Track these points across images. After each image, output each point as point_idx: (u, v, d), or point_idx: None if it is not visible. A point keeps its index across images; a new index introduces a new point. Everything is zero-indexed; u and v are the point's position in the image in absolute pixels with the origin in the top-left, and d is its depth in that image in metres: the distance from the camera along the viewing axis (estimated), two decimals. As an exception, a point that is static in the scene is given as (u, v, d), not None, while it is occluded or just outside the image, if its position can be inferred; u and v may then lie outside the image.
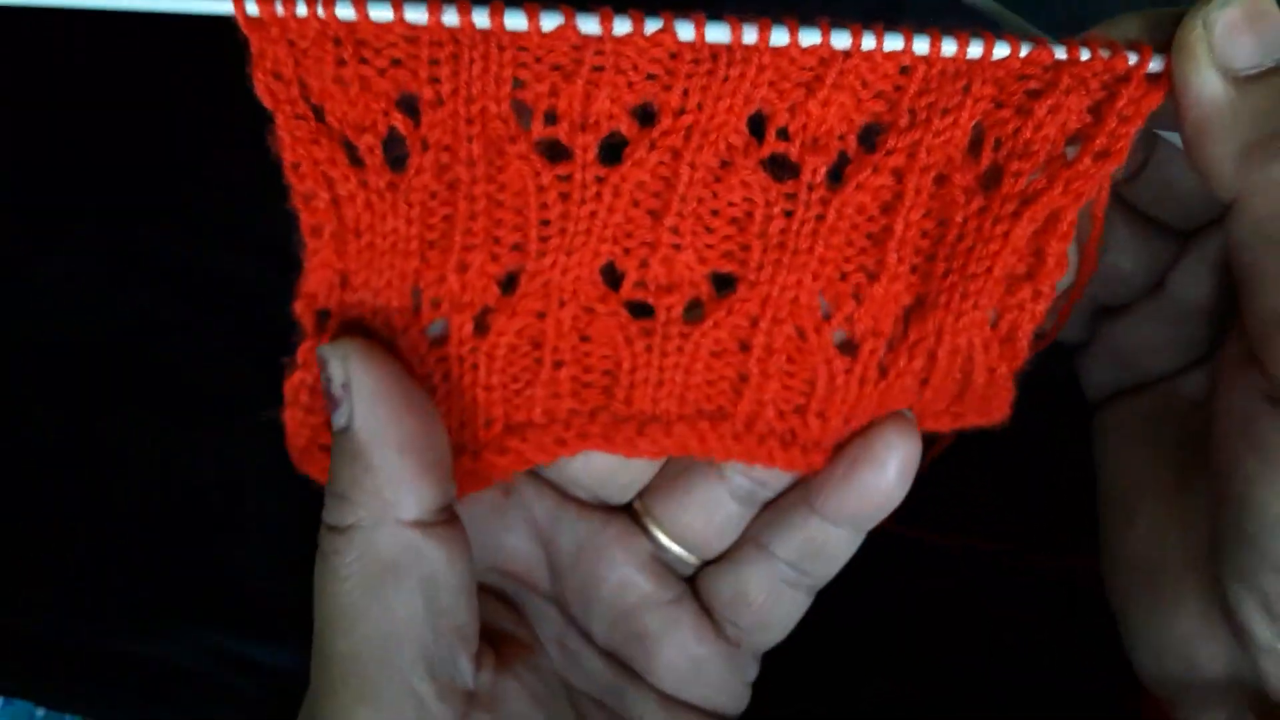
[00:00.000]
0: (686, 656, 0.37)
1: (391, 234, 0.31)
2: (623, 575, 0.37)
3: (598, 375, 0.35)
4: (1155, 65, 0.31)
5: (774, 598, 0.38)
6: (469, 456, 0.35)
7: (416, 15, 0.27)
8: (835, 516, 0.36)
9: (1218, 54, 0.30)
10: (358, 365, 0.30)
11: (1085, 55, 0.31)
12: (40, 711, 0.49)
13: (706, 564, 0.39)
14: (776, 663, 0.41)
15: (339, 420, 0.30)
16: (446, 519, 0.31)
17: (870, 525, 0.37)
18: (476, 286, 0.32)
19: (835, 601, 0.50)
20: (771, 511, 0.37)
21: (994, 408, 0.36)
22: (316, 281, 0.32)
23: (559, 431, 0.35)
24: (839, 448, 0.36)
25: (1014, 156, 0.32)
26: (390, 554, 0.30)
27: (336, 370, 0.30)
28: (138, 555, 0.49)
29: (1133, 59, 0.31)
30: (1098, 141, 0.32)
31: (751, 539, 0.38)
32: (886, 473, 0.35)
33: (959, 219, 0.32)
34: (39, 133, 0.52)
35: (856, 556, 0.40)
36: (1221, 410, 0.33)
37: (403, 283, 0.31)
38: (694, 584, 0.39)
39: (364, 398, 0.30)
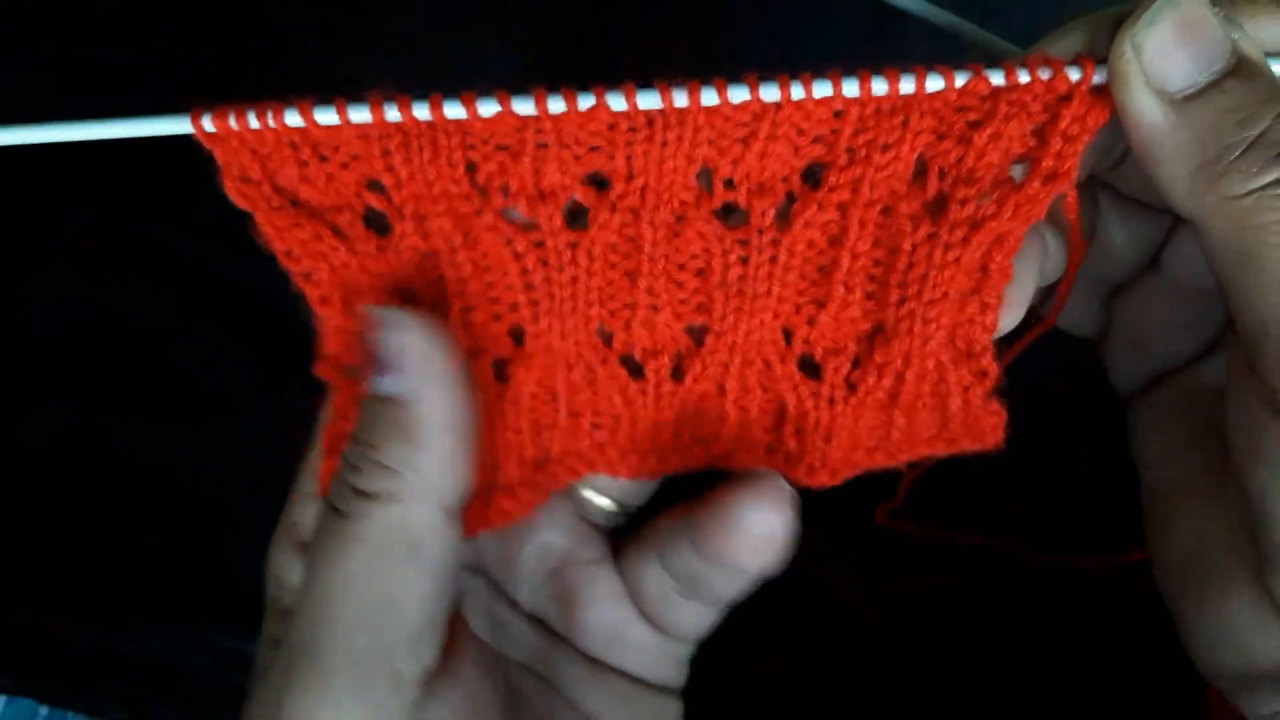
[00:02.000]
0: (607, 620, 0.37)
1: (397, 295, 0.33)
2: (544, 535, 0.38)
3: (605, 419, 0.37)
4: (1100, 77, 0.31)
5: (670, 605, 0.37)
6: (502, 493, 0.37)
7: (360, 115, 0.29)
8: (708, 557, 0.35)
9: (1151, 78, 0.29)
10: (419, 336, 0.30)
11: (1024, 78, 0.31)
12: (43, 709, 0.51)
13: (630, 522, 0.39)
14: (785, 661, 0.41)
15: (388, 387, 0.30)
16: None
17: (748, 574, 0.35)
18: (485, 338, 0.34)
19: (845, 601, 0.51)
20: (669, 519, 0.37)
21: (985, 432, 0.37)
22: (335, 344, 0.34)
23: (572, 463, 0.37)
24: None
25: (959, 183, 0.32)
26: (419, 533, 0.30)
27: (393, 335, 0.30)
28: (139, 554, 0.50)
29: (1074, 75, 0.31)
30: (1044, 164, 0.32)
31: (654, 542, 0.37)
32: (744, 536, 0.33)
33: (908, 246, 0.33)
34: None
35: (864, 556, 0.40)
36: (1231, 418, 0.33)
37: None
38: (616, 554, 0.39)
39: (426, 371, 0.30)
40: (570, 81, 0.30)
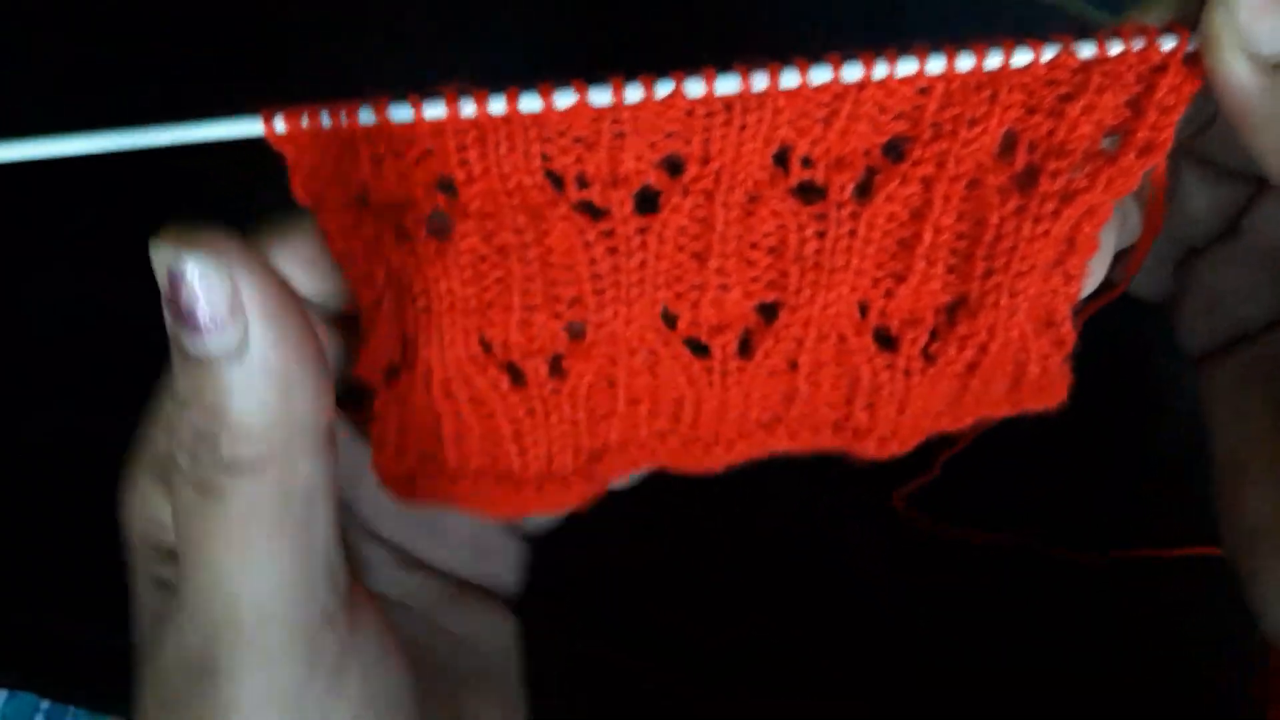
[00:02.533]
0: (467, 533, 0.37)
1: (448, 295, 0.32)
2: None
3: (667, 404, 0.36)
4: (1194, 45, 0.30)
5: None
6: (558, 484, 0.36)
7: (435, 111, 0.29)
8: None
9: (1245, 39, 0.29)
10: (249, 280, 0.26)
11: (1115, 49, 0.30)
12: (44, 704, 0.51)
13: None
14: (794, 660, 0.42)
15: (223, 342, 0.26)
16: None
17: None
18: (543, 338, 0.34)
19: (856, 598, 0.51)
20: None
21: (1051, 393, 0.36)
22: (379, 348, 0.33)
23: (634, 454, 0.37)
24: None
25: (1050, 156, 0.31)
26: (309, 482, 0.28)
27: (218, 286, 0.25)
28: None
29: (1168, 44, 0.30)
30: (1139, 136, 0.31)
31: None
32: None
33: (995, 219, 0.32)
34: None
35: (883, 540, 0.40)
36: None
37: (468, 337, 0.33)
38: None
39: (263, 316, 0.26)
40: (583, 71, 0.29)
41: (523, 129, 0.29)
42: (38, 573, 0.52)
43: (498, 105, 0.29)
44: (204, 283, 0.25)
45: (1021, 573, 0.52)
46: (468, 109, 0.29)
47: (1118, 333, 0.52)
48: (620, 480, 0.38)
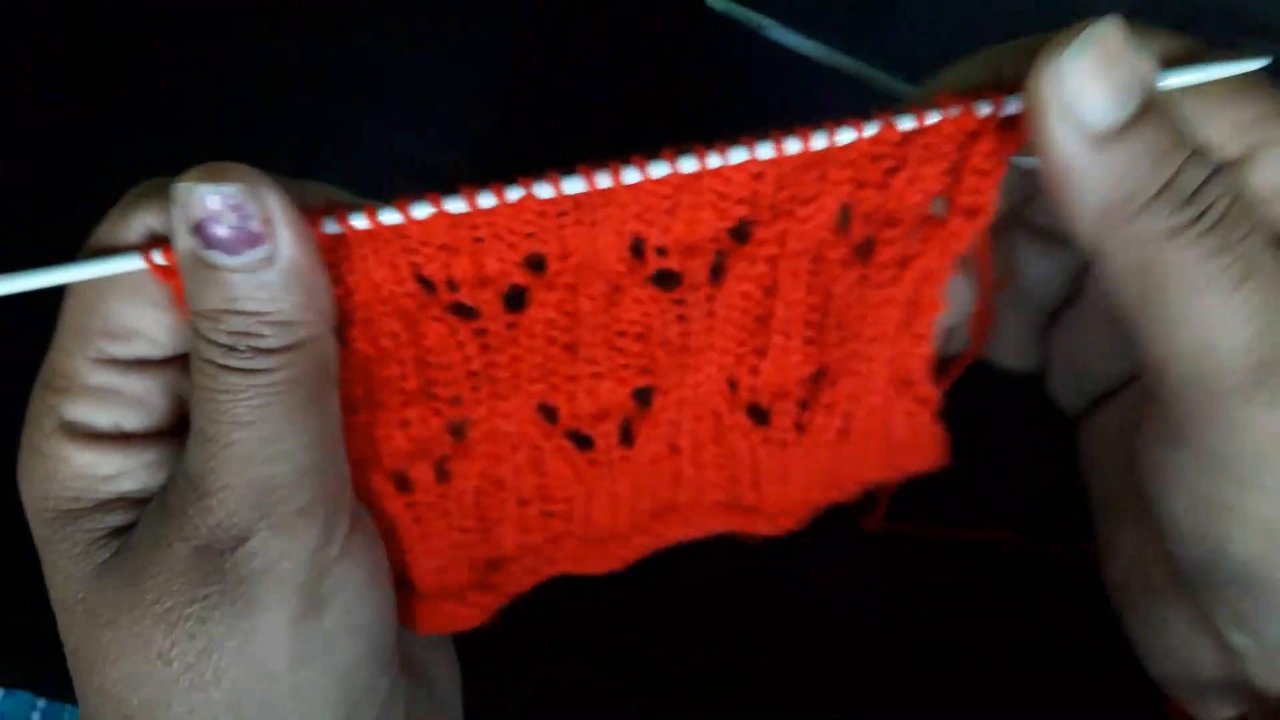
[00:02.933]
0: None
1: (349, 400, 0.34)
2: None
3: (559, 505, 0.37)
4: (1011, 107, 0.32)
5: None
6: (454, 600, 0.37)
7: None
8: None
9: (1071, 111, 0.29)
10: (275, 200, 0.29)
11: (933, 119, 0.32)
12: (41, 702, 0.51)
13: None
14: (778, 661, 0.42)
15: (260, 253, 0.29)
16: None
17: None
18: (424, 439, 0.35)
19: (837, 604, 0.52)
20: None
21: (927, 453, 0.38)
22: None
23: (531, 562, 0.37)
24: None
25: (883, 225, 0.34)
26: (330, 356, 0.31)
27: (253, 206, 0.29)
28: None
29: (983, 110, 0.32)
30: (961, 200, 0.33)
31: None
32: None
33: (841, 290, 0.34)
34: (40, 129, 0.56)
35: (854, 557, 0.41)
36: (1136, 446, 0.34)
37: (357, 437, 0.34)
38: None
39: (288, 226, 0.29)
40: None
41: (386, 241, 0.31)
42: (35, 571, 0.53)
43: (360, 221, 0.31)
44: (239, 206, 0.29)
45: (1005, 569, 0.52)
46: (332, 227, 0.31)
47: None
48: (521, 590, 0.38)
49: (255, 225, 0.29)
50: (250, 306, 0.29)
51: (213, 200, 0.28)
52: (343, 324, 0.33)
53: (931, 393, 0.36)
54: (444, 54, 0.61)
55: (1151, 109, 0.29)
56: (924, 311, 0.35)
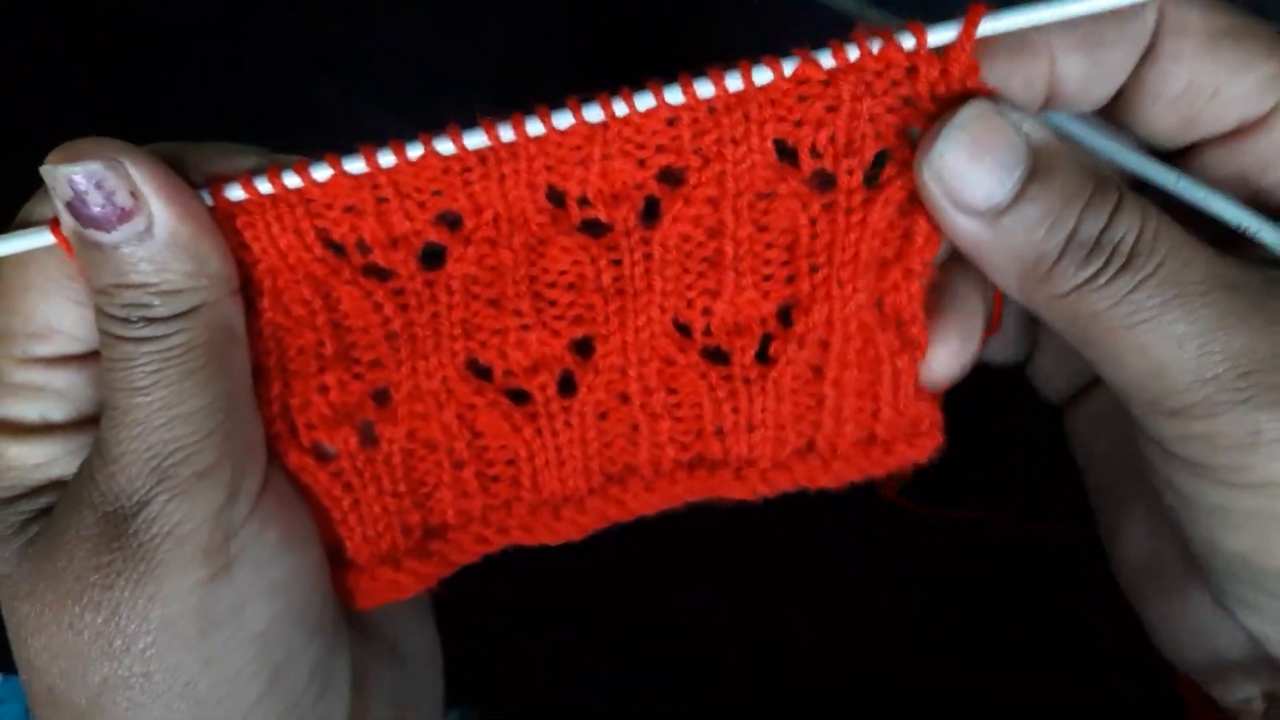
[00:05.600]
0: None
1: (263, 371, 0.33)
2: None
3: (501, 468, 0.36)
4: (942, 35, 0.30)
5: None
6: (389, 567, 0.36)
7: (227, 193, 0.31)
8: None
9: (957, 200, 0.30)
10: (140, 170, 0.29)
11: (853, 54, 0.30)
12: None
13: None
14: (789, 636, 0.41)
15: (133, 227, 0.29)
16: None
17: None
18: (345, 404, 0.34)
19: (852, 578, 0.50)
20: None
21: (921, 429, 0.36)
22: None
23: (478, 530, 0.37)
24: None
25: (840, 156, 0.32)
26: (230, 319, 0.31)
27: (115, 180, 0.29)
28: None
29: (907, 42, 0.30)
30: (927, 125, 0.31)
31: None
32: None
33: (805, 220, 0.33)
34: (38, 128, 0.58)
35: (871, 532, 0.39)
36: (1139, 443, 0.33)
37: (270, 408, 0.34)
38: None
39: (162, 197, 0.29)
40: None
41: (289, 206, 0.31)
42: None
43: (262, 184, 0.30)
44: (103, 182, 0.28)
45: (1020, 553, 0.51)
46: (235, 193, 0.30)
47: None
48: (471, 559, 0.37)
49: (122, 199, 0.29)
50: (136, 279, 0.29)
51: (78, 179, 0.28)
52: (253, 293, 0.32)
53: (923, 336, 0.34)
54: (445, 39, 0.61)
55: (1039, 172, 0.30)
56: (915, 244, 0.33)
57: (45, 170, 0.29)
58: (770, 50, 0.31)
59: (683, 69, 0.31)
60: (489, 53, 0.61)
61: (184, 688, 0.30)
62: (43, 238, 0.30)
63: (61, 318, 0.31)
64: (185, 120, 0.59)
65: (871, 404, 0.36)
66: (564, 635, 0.51)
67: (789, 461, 0.37)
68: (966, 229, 0.30)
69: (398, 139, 0.30)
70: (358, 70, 0.60)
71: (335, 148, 0.31)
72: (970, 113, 0.29)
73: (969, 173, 0.30)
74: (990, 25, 0.30)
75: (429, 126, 0.31)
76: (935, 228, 0.33)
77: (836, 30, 0.31)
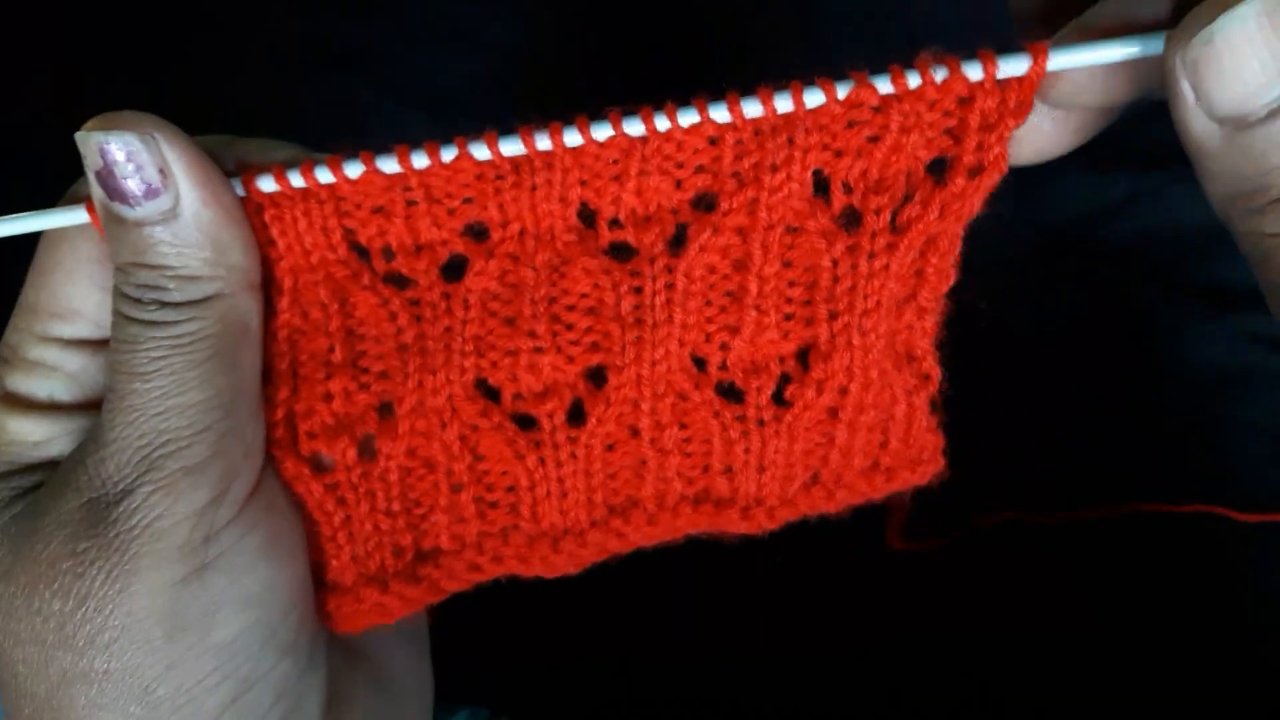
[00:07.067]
0: None
1: (273, 375, 0.33)
2: None
3: (501, 494, 0.35)
4: (1011, 68, 0.28)
5: None
6: (375, 588, 0.34)
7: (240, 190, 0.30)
8: None
9: (1200, 96, 0.26)
10: (173, 150, 0.29)
11: (914, 82, 0.29)
12: None
13: None
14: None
15: (158, 206, 0.28)
16: None
17: None
18: (348, 414, 0.33)
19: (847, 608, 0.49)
20: None
21: (924, 456, 0.34)
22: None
23: (471, 557, 0.35)
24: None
25: (869, 193, 0.30)
26: (245, 315, 0.31)
27: (147, 156, 0.28)
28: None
29: (974, 73, 0.28)
30: (964, 160, 0.29)
31: None
32: None
33: (828, 262, 0.31)
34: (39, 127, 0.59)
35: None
36: None
37: (275, 413, 0.33)
38: None
39: (191, 179, 0.29)
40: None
41: (318, 204, 0.30)
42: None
43: (295, 178, 0.30)
44: (134, 155, 0.28)
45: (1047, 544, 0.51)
46: (267, 184, 0.30)
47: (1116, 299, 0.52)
48: (463, 587, 0.36)
49: (150, 175, 0.28)
50: (155, 260, 0.29)
51: (110, 148, 0.28)
52: (274, 293, 0.32)
53: (935, 370, 0.33)
54: (454, 38, 0.61)
55: None
56: (930, 283, 0.31)
57: (80, 136, 0.28)
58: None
59: (687, 75, 0.30)
60: (497, 59, 0.60)
61: (142, 691, 0.29)
62: (79, 215, 0.30)
63: (85, 300, 0.31)
64: (186, 121, 0.60)
65: (881, 436, 0.35)
66: (567, 635, 0.49)
67: (795, 497, 0.35)
68: (1200, 132, 0.27)
69: (430, 141, 0.30)
70: (364, 71, 0.60)
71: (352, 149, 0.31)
72: (1252, 8, 0.25)
73: (1234, 69, 0.25)
74: (1059, 60, 0.28)
75: (443, 133, 0.30)
76: (949, 265, 0.31)
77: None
